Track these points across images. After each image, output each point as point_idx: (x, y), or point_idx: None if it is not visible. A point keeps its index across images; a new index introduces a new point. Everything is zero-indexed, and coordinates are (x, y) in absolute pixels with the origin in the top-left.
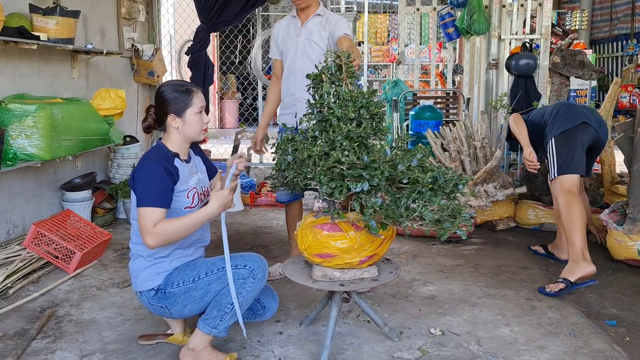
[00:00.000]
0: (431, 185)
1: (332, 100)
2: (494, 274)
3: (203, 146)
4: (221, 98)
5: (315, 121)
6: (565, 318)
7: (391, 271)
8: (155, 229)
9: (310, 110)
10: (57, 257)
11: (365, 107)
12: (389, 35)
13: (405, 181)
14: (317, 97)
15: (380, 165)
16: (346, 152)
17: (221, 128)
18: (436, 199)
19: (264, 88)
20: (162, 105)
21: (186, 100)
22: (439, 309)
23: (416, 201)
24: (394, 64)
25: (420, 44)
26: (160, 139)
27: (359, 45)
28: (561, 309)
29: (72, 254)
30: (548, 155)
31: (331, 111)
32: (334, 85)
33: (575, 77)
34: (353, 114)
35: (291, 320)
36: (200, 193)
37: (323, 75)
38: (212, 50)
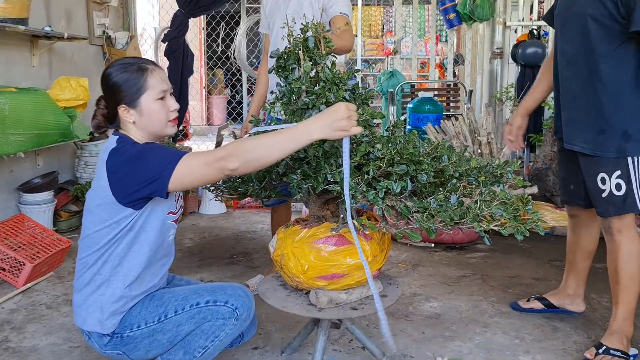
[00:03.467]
0: (483, 177)
1: (308, 82)
2: (505, 287)
3: (186, 143)
4: (209, 94)
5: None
6: (594, 342)
7: (390, 283)
8: (225, 151)
9: (280, 97)
10: (4, 270)
11: (351, 90)
12: (383, 28)
13: (456, 175)
14: (291, 79)
15: (424, 159)
16: (377, 145)
17: (209, 125)
18: (502, 193)
19: (249, 80)
20: (110, 94)
21: (138, 84)
22: (446, 331)
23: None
24: (389, 57)
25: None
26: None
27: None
28: (587, 329)
29: (21, 265)
30: (621, 175)
31: (312, 96)
32: (313, 65)
33: None
34: (343, 100)
35: (271, 347)
36: (181, 196)
37: (300, 52)
38: (199, 44)
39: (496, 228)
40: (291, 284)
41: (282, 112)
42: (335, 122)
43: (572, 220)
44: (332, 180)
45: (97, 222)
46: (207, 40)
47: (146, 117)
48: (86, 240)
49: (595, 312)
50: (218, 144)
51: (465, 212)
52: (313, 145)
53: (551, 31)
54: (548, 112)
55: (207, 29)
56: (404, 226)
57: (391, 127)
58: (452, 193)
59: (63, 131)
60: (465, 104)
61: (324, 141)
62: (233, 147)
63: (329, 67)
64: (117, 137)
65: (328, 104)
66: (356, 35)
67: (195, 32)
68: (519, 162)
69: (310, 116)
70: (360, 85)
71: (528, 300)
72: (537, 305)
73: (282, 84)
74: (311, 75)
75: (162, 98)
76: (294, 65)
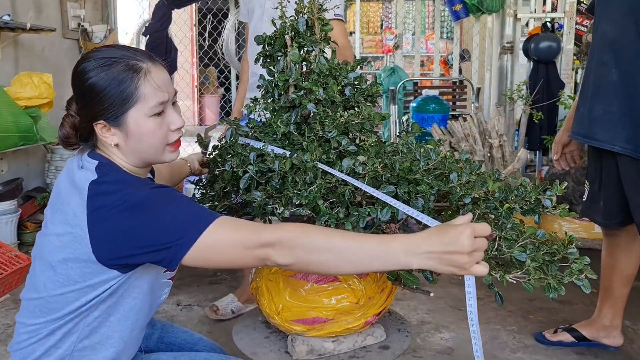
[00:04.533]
0: (508, 205)
1: (296, 74)
2: (526, 313)
3: None
4: (202, 93)
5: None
6: None
7: (399, 329)
8: (276, 236)
9: (264, 93)
10: None
11: (352, 85)
12: (382, 25)
13: (467, 201)
14: (276, 71)
15: (424, 177)
16: (360, 157)
17: (200, 125)
18: (531, 229)
19: (238, 77)
20: (84, 102)
21: (126, 91)
22: None
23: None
24: (389, 54)
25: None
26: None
27: (350, 35)
28: None
29: None
30: None
31: (301, 92)
32: (303, 52)
33: None
34: (339, 96)
35: None
36: None
37: (286, 37)
38: (191, 42)
39: (514, 280)
40: (272, 323)
41: (266, 111)
42: (450, 254)
43: (608, 240)
44: (298, 202)
45: (62, 284)
46: (200, 39)
47: (135, 140)
48: (40, 302)
49: (633, 344)
50: (205, 146)
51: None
52: (278, 157)
53: (566, 24)
54: (563, 112)
55: (198, 27)
56: None
57: (404, 132)
58: None
59: (24, 133)
60: (473, 102)
61: (291, 152)
62: (290, 234)
63: (325, 56)
64: (96, 162)
65: (318, 102)
66: (354, 32)
67: (186, 30)
68: (563, 186)
69: (291, 118)
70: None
71: (555, 332)
72: (567, 337)
73: (266, 77)
74: (302, 66)
75: (159, 113)
76: (280, 54)
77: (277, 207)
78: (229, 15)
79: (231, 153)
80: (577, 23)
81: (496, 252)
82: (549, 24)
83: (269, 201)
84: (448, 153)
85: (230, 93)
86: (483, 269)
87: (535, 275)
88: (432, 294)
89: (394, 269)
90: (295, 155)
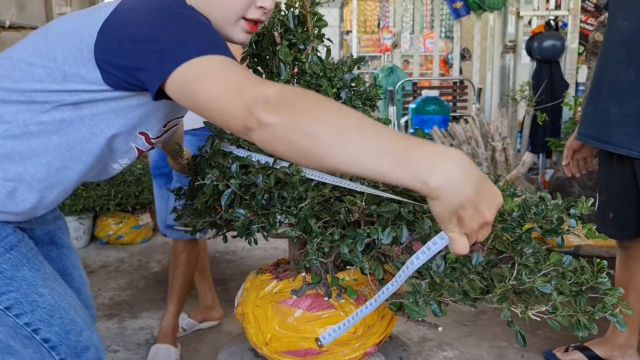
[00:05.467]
0: (528, 225)
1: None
2: (534, 328)
3: None
4: None
5: None
6: None
7: (401, 357)
8: (273, 91)
9: None
10: None
11: (349, 87)
12: (379, 24)
13: None
14: (264, 72)
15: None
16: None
17: None
18: (556, 256)
19: None
20: None
21: None
22: None
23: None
24: (387, 53)
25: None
26: None
27: (347, 34)
28: None
29: None
30: None
31: None
32: (294, 51)
33: None
34: (334, 99)
35: None
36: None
37: (275, 34)
38: None
39: (538, 317)
40: (259, 353)
41: None
42: (473, 203)
43: (623, 253)
44: (285, 222)
45: (42, 53)
46: None
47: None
48: (4, 62)
49: None
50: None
51: (489, 284)
52: (264, 170)
53: (570, 22)
54: (568, 113)
55: None
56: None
57: None
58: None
59: None
60: (474, 103)
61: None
62: (289, 93)
63: (319, 56)
64: None
65: None
66: (351, 32)
67: None
68: (590, 203)
69: None
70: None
71: (567, 351)
72: (579, 357)
73: None
74: (293, 66)
75: None
76: (268, 53)
77: (265, 226)
78: None
79: (212, 164)
80: (581, 21)
81: (515, 282)
82: (552, 22)
83: (254, 220)
84: None
85: None
86: (465, 247)
87: (563, 311)
88: (440, 329)
89: (403, 181)
90: (279, 167)
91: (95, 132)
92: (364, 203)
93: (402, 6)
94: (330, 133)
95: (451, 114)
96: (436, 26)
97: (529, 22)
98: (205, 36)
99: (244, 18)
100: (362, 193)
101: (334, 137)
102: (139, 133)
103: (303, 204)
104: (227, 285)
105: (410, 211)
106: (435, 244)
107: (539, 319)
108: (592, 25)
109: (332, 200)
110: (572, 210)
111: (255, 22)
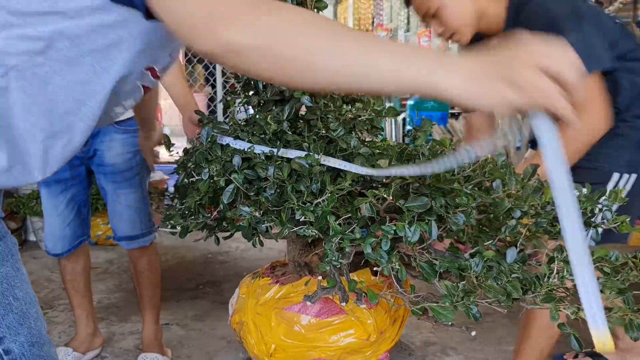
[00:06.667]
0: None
1: None
2: None
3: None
4: None
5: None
6: None
7: None
8: (234, 5)
9: (244, 84)
10: None
11: None
12: (373, 22)
13: (516, 215)
14: None
15: (461, 186)
16: (381, 161)
17: None
18: (600, 250)
19: (224, 74)
20: None
21: None
22: None
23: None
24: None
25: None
26: None
27: None
28: None
29: None
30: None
31: None
32: None
33: None
34: None
35: None
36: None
37: None
38: None
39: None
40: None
41: (248, 106)
42: (515, 68)
43: None
44: (303, 219)
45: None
46: None
47: None
48: None
49: None
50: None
51: (532, 281)
52: (276, 162)
53: None
54: None
55: None
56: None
57: (414, 131)
58: (509, 243)
59: None
60: None
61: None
62: (253, 5)
63: None
64: None
65: (313, 94)
66: None
67: None
68: (624, 192)
69: (284, 114)
70: None
71: (576, 357)
72: None
73: None
74: None
75: None
76: None
77: (273, 225)
78: None
79: (208, 158)
80: None
81: (558, 280)
82: None
83: (262, 219)
84: (489, 156)
85: (216, 90)
86: (568, 107)
87: (618, 311)
88: (474, 333)
89: (420, 77)
90: (295, 157)
91: (98, 71)
92: (391, 197)
93: (398, 3)
94: (315, 45)
95: (450, 111)
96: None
97: None
98: None
99: None
100: (387, 186)
101: (322, 51)
102: (145, 69)
103: (320, 199)
104: (220, 287)
105: (442, 206)
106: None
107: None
108: None
109: (353, 194)
110: (603, 201)
111: None
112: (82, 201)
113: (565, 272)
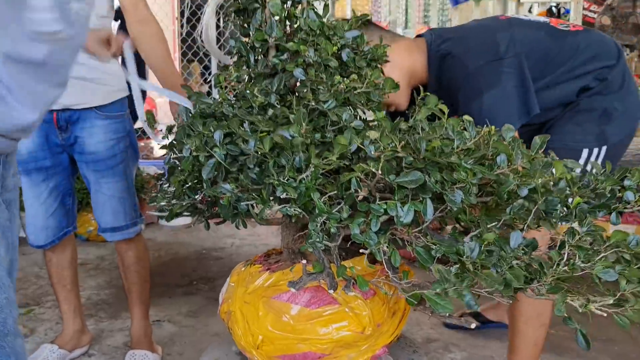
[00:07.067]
0: (580, 199)
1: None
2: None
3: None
4: None
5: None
6: None
7: (412, 359)
8: None
9: (236, 59)
10: None
11: (350, 47)
12: (371, 18)
13: (523, 194)
14: (251, 28)
15: (461, 160)
16: (371, 133)
17: None
18: (619, 234)
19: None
20: None
21: None
22: None
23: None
24: None
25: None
26: None
27: None
28: None
29: None
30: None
31: (284, 55)
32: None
33: (627, 45)
34: (334, 60)
35: None
36: None
37: None
38: (173, 36)
39: (602, 310)
40: (249, 358)
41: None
42: None
43: None
44: (283, 196)
45: None
46: (182, 34)
47: None
48: None
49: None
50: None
51: (538, 270)
52: (259, 134)
53: (573, 9)
54: None
55: (180, 20)
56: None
57: (419, 105)
58: (512, 226)
59: None
60: None
61: (272, 125)
62: None
63: (316, 11)
64: None
65: (308, 67)
66: None
67: (168, 23)
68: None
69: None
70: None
71: (461, 316)
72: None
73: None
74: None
75: None
76: (257, 5)
77: (255, 204)
78: None
79: (190, 134)
80: (584, 8)
81: (568, 268)
82: (554, 9)
83: (242, 196)
84: (491, 128)
85: (211, 85)
86: None
87: (636, 303)
88: (473, 326)
89: None
90: (275, 130)
91: None
92: (380, 171)
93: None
94: None
95: None
96: (432, 16)
97: (530, 9)
98: None
99: None
100: (377, 161)
101: None
102: None
103: (304, 175)
104: (214, 283)
105: (438, 181)
106: None
107: (605, 314)
108: (595, 12)
109: (340, 170)
110: (626, 182)
111: None
112: (67, 190)
113: (577, 258)
